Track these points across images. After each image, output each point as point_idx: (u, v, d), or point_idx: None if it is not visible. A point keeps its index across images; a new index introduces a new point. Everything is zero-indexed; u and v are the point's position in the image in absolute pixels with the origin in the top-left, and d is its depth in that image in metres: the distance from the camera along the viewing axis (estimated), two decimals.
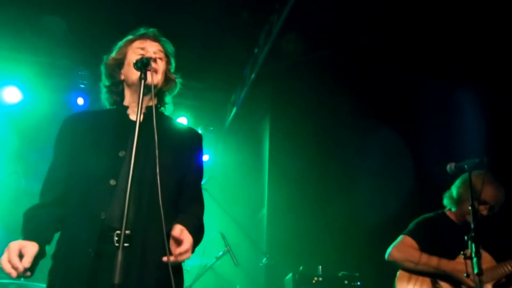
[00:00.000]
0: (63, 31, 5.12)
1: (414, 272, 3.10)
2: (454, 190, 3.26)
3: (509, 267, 2.96)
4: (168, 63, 2.20)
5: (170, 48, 2.24)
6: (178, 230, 1.76)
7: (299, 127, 5.70)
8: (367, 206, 4.80)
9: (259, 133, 6.75)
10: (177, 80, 2.24)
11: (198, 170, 2.14)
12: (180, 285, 1.99)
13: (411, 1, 4.40)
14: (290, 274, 4.29)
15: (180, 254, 1.74)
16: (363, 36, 4.93)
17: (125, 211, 1.60)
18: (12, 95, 5.79)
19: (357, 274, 4.27)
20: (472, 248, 2.50)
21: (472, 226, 2.57)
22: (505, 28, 3.85)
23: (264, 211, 6.02)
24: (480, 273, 2.45)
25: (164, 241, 1.73)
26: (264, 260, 4.95)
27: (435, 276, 3.06)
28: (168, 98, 2.23)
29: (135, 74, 1.99)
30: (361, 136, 5.31)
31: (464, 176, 3.18)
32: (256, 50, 5.62)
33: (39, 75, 5.78)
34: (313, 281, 4.20)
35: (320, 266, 4.33)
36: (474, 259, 2.47)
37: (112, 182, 1.88)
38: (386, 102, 5.03)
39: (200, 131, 6.87)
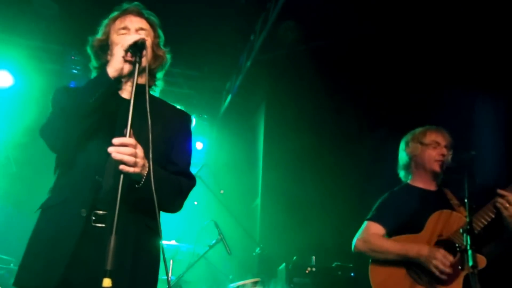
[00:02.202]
0: (55, 15, 5.01)
1: (385, 262, 2.79)
2: (401, 155, 3.12)
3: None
4: (155, 37, 2.14)
5: (156, 20, 2.18)
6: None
7: (294, 116, 5.65)
8: (362, 197, 4.78)
9: (254, 122, 6.70)
10: (167, 54, 2.18)
11: (185, 151, 2.13)
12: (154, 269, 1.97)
13: None
14: (284, 264, 4.28)
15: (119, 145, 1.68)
16: (361, 27, 4.86)
17: (117, 200, 1.60)
18: (4, 79, 5.71)
19: (351, 265, 4.27)
20: (467, 240, 2.46)
21: (467, 219, 2.52)
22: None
23: (258, 200, 6.00)
24: (475, 265, 2.41)
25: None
26: (257, 249, 4.93)
27: (408, 264, 2.77)
28: (159, 74, 2.18)
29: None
30: (356, 126, 5.28)
31: (403, 139, 3.13)
32: (252, 37, 5.55)
33: (31, 59, 5.70)
34: (307, 271, 4.19)
35: (314, 257, 4.32)
36: (469, 252, 2.43)
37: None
38: (382, 92, 4.99)
39: (194, 119, 6.87)
